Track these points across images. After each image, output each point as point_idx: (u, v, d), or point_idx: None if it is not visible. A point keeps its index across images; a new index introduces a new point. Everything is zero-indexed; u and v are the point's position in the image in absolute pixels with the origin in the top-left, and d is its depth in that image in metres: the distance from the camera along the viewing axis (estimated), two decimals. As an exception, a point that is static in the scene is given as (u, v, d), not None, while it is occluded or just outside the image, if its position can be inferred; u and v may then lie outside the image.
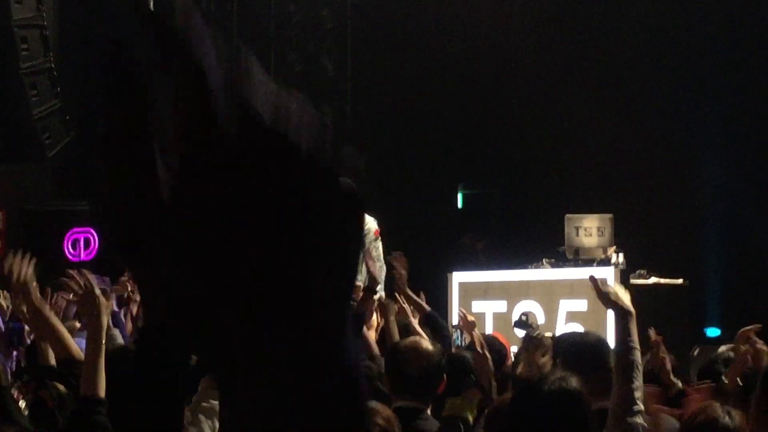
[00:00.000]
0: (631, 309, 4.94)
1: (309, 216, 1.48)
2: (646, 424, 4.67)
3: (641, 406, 4.67)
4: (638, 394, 4.66)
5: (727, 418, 4.20)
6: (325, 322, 1.45)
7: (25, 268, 5.48)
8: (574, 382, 4.10)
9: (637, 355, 4.79)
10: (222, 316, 1.45)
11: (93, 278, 5.15)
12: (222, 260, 1.43)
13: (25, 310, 6.02)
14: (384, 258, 10.92)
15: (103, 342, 4.82)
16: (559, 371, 4.41)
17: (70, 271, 5.37)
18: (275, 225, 1.45)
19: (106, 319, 4.92)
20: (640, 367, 4.77)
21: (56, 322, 5.49)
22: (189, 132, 1.47)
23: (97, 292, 4.99)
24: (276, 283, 1.43)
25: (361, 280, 10.74)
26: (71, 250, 14.90)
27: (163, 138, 1.48)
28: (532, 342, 6.47)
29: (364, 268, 11.45)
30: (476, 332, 6.98)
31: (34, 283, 5.42)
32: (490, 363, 6.41)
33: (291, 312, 1.42)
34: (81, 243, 14.85)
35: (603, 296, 5.04)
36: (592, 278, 5.19)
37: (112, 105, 1.55)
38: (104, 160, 1.56)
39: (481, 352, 6.39)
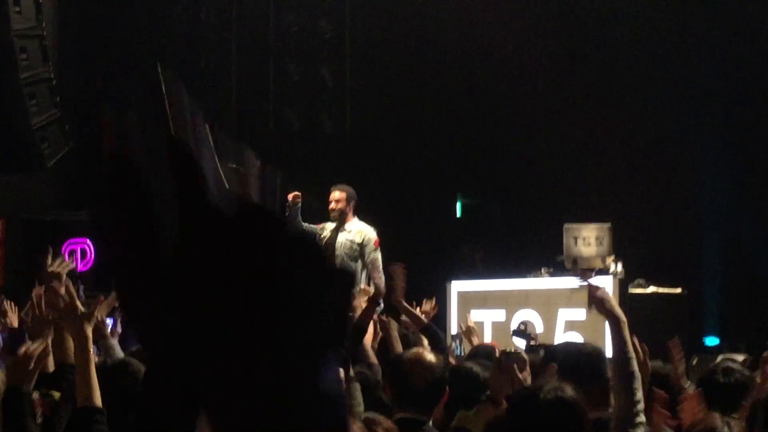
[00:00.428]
0: (623, 317, 4.95)
1: (305, 288, 1.56)
2: None
3: (642, 418, 4.67)
4: (640, 407, 4.67)
5: (726, 429, 4.20)
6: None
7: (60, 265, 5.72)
8: (570, 391, 4.11)
9: (634, 364, 4.80)
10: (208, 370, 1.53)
11: (72, 288, 5.16)
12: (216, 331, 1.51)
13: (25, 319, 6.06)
14: (383, 268, 10.94)
15: (91, 351, 4.85)
16: (555, 381, 4.42)
17: (52, 285, 5.40)
18: (267, 295, 1.53)
19: (90, 329, 4.95)
20: (639, 377, 4.78)
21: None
22: (183, 205, 1.56)
23: (78, 304, 5.02)
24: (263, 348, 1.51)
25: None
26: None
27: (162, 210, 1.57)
28: (509, 358, 6.40)
29: (364, 277, 11.51)
30: (498, 348, 6.95)
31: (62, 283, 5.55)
32: (508, 383, 6.37)
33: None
34: (78, 253, 14.85)
35: (597, 303, 5.05)
36: (589, 284, 5.20)
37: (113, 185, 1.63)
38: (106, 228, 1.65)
39: (499, 370, 6.35)
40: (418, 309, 8.86)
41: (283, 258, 1.50)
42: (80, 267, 14.45)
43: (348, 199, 11.76)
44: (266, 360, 1.50)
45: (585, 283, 5.13)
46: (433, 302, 9.27)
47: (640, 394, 4.69)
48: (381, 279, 8.46)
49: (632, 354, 4.80)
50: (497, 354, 6.95)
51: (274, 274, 1.48)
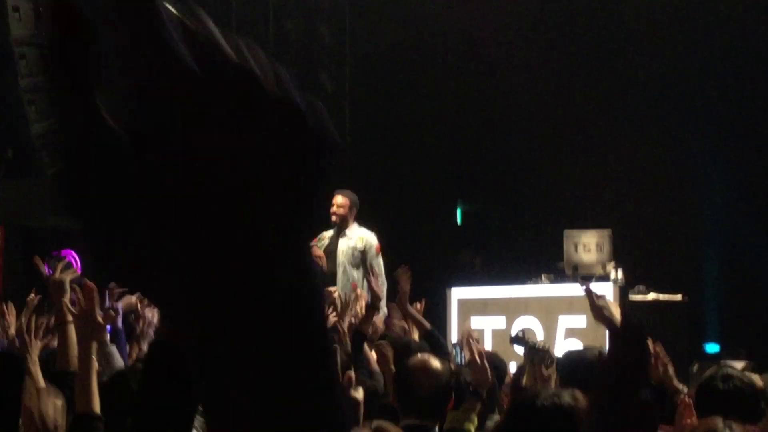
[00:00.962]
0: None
1: (279, 152, 1.44)
2: None
3: None
4: None
5: (727, 431, 4.18)
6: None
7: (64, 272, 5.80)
8: (568, 398, 4.09)
9: None
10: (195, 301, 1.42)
11: (96, 299, 5.16)
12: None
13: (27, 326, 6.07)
14: (386, 273, 10.91)
15: (94, 359, 4.86)
16: (554, 387, 4.41)
17: (88, 283, 5.41)
18: (244, 162, 1.42)
19: (97, 340, 4.98)
20: None
21: (72, 332, 5.54)
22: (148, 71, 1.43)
23: (97, 316, 5.04)
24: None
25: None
26: (51, 271, 14.81)
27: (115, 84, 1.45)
28: (537, 354, 6.45)
29: (366, 285, 11.46)
30: (475, 344, 6.96)
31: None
32: (490, 373, 6.40)
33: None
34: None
35: (596, 310, 5.04)
36: (587, 290, 5.19)
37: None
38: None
39: (478, 361, 6.38)
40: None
41: (256, 125, 1.40)
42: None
43: (351, 206, 11.71)
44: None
45: (584, 288, 5.11)
46: (421, 304, 9.23)
47: None
48: (377, 283, 8.44)
49: None
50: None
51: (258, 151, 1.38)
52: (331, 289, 9.59)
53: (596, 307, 5.05)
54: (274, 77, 1.49)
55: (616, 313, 4.97)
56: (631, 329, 3.81)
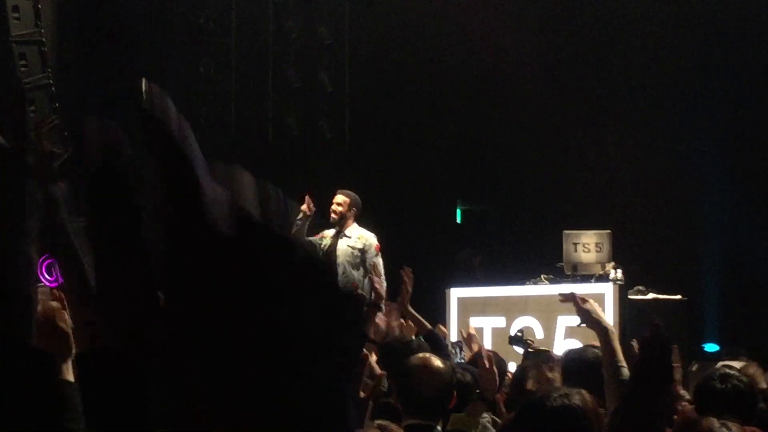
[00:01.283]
0: (610, 326, 4.94)
1: (309, 310, 1.50)
2: None
3: None
4: None
5: (723, 429, 4.19)
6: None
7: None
8: (577, 398, 4.09)
9: (625, 372, 4.78)
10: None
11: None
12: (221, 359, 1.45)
13: None
14: (385, 273, 10.91)
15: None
16: (564, 387, 4.40)
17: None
18: (276, 321, 1.47)
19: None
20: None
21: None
22: (177, 224, 1.48)
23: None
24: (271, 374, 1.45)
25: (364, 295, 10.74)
26: (47, 277, 14.81)
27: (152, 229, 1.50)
28: (540, 356, 6.47)
29: (367, 284, 11.46)
30: (483, 347, 6.98)
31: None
32: (497, 377, 6.42)
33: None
34: (57, 267, 14.79)
35: (583, 313, 5.04)
36: (572, 295, 5.19)
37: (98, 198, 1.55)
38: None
39: (487, 366, 6.40)
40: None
41: (290, 284, 1.44)
42: (62, 280, 14.37)
43: (350, 205, 11.72)
44: (274, 391, 1.45)
45: (568, 295, 5.12)
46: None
47: None
48: (381, 283, 8.44)
49: (623, 362, 4.79)
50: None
51: (280, 300, 1.43)
52: None
53: (583, 311, 5.05)
54: (302, 246, 1.55)
55: (603, 315, 4.97)
56: (659, 342, 3.81)
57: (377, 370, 7.53)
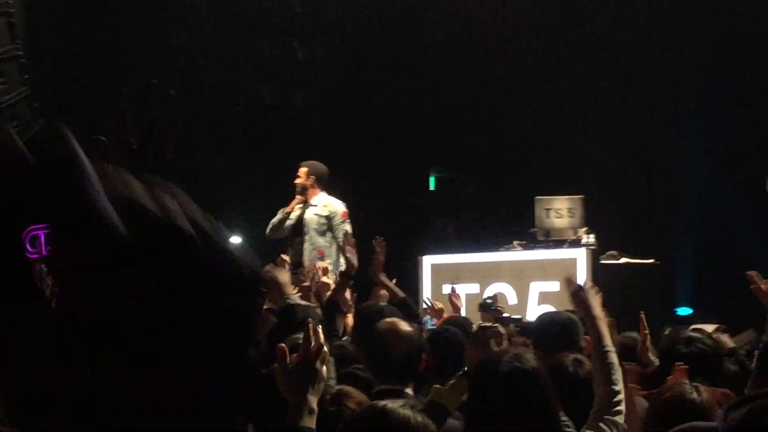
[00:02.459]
0: (600, 314, 4.98)
1: (207, 299, 1.55)
2: (626, 426, 4.70)
3: (622, 408, 4.69)
4: (620, 397, 4.69)
5: (694, 394, 4.23)
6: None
7: None
8: (530, 360, 4.12)
9: (614, 357, 4.82)
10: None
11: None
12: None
13: None
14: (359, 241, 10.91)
15: None
16: (514, 350, 4.43)
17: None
18: (175, 309, 1.52)
19: None
20: (619, 369, 4.81)
21: None
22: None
23: None
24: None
25: (330, 263, 10.76)
26: (30, 248, 14.77)
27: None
28: (486, 332, 6.46)
29: (334, 251, 11.52)
30: (475, 325, 6.98)
31: None
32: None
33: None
34: (42, 239, 14.78)
35: (575, 298, 5.07)
36: (567, 280, 5.23)
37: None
38: None
39: (474, 342, 6.42)
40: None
41: (181, 279, 1.49)
42: (44, 252, 14.37)
43: (309, 174, 11.77)
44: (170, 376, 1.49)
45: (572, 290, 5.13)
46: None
47: (621, 386, 4.71)
48: (353, 253, 8.43)
49: (611, 347, 4.84)
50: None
51: (171, 296, 1.47)
52: (284, 257, 9.59)
53: (575, 296, 5.09)
54: (204, 229, 1.57)
55: (594, 301, 5.00)
56: None
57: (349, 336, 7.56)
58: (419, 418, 3.34)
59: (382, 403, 3.44)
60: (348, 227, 11.50)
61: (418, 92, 16.76)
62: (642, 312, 6.70)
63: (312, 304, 6.11)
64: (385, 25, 16.60)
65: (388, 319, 5.62)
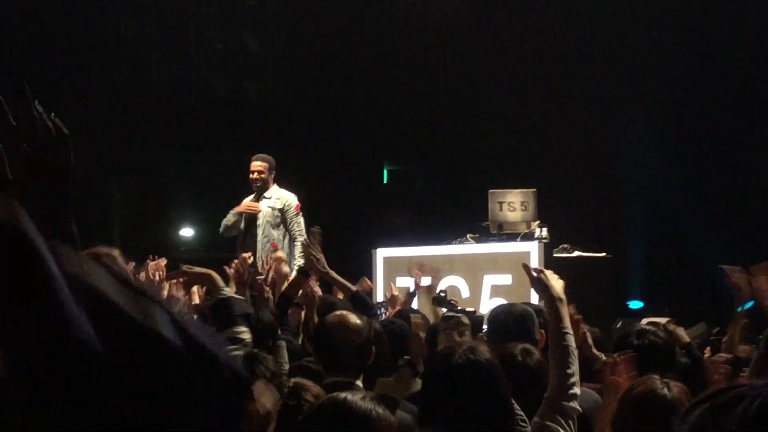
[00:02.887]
0: (562, 296, 4.99)
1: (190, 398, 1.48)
2: (580, 409, 4.71)
3: (577, 390, 4.70)
4: (574, 379, 4.70)
5: (665, 390, 4.24)
6: None
7: None
8: (483, 352, 4.12)
9: (571, 339, 4.83)
10: None
11: None
12: None
13: None
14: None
15: None
16: (468, 343, 4.43)
17: None
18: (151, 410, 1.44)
19: None
20: (575, 352, 4.81)
21: None
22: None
23: None
24: None
25: (284, 256, 10.72)
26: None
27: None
28: (449, 322, 6.50)
29: (287, 244, 11.53)
30: (416, 317, 6.98)
31: None
32: (425, 344, 6.44)
33: None
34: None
35: (535, 282, 5.08)
36: (524, 266, 5.24)
37: None
38: None
39: (417, 333, 6.44)
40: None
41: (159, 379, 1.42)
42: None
43: (270, 169, 11.85)
44: None
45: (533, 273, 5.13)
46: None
47: (575, 368, 4.73)
48: (318, 251, 8.38)
49: (569, 329, 4.85)
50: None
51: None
52: (245, 255, 9.54)
53: (534, 280, 5.09)
54: (187, 336, 1.47)
55: (556, 283, 5.01)
56: None
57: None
58: (380, 410, 3.35)
59: (342, 395, 3.44)
60: (301, 220, 11.59)
61: (371, 85, 16.75)
62: (580, 315, 6.70)
63: (242, 298, 6.09)
64: (339, 17, 16.57)
65: (338, 312, 5.60)
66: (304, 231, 11.21)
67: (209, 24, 17.06)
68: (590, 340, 6.52)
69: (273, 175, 11.91)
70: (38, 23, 15.29)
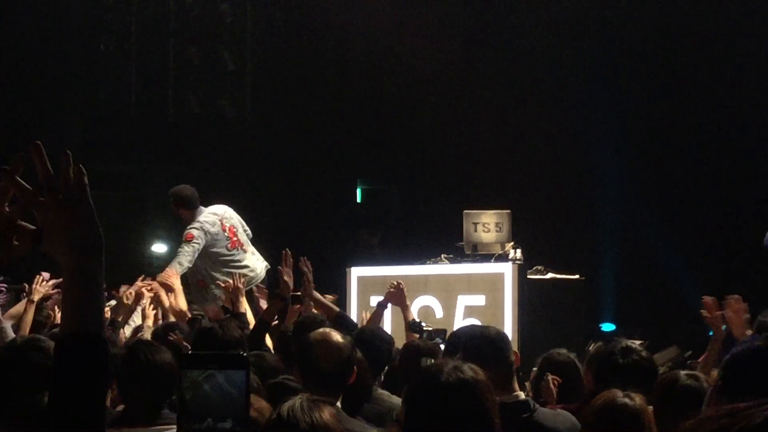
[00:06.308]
0: None
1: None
2: None
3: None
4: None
5: (626, 399, 4.26)
6: None
7: None
8: (470, 371, 4.11)
9: None
10: None
11: None
12: None
13: None
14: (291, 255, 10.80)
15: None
16: (454, 361, 4.43)
17: None
18: None
19: None
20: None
21: None
22: None
23: None
24: None
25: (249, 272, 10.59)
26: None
27: None
28: (437, 336, 6.52)
29: (260, 264, 11.19)
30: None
31: None
32: None
33: None
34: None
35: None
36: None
37: None
38: None
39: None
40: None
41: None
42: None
43: (177, 204, 10.82)
44: None
45: None
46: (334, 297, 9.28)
47: None
48: (290, 275, 8.27)
49: None
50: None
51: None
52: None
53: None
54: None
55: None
56: None
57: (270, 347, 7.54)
58: (326, 416, 3.37)
59: (286, 406, 3.47)
60: (185, 248, 10.56)
61: (346, 104, 16.78)
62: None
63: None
64: (315, 37, 16.60)
65: (321, 329, 5.60)
66: (186, 261, 10.38)
67: (187, 40, 17.06)
68: (553, 389, 6.55)
69: (188, 205, 10.83)
70: (17, 38, 15.27)
